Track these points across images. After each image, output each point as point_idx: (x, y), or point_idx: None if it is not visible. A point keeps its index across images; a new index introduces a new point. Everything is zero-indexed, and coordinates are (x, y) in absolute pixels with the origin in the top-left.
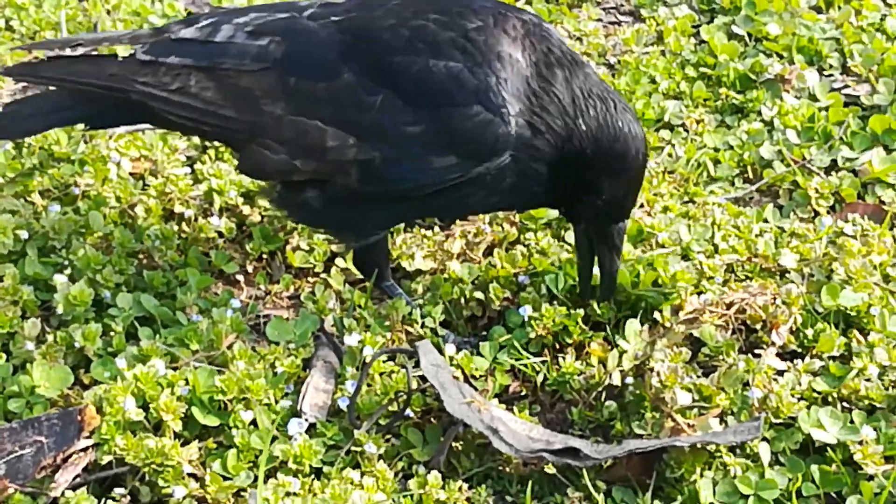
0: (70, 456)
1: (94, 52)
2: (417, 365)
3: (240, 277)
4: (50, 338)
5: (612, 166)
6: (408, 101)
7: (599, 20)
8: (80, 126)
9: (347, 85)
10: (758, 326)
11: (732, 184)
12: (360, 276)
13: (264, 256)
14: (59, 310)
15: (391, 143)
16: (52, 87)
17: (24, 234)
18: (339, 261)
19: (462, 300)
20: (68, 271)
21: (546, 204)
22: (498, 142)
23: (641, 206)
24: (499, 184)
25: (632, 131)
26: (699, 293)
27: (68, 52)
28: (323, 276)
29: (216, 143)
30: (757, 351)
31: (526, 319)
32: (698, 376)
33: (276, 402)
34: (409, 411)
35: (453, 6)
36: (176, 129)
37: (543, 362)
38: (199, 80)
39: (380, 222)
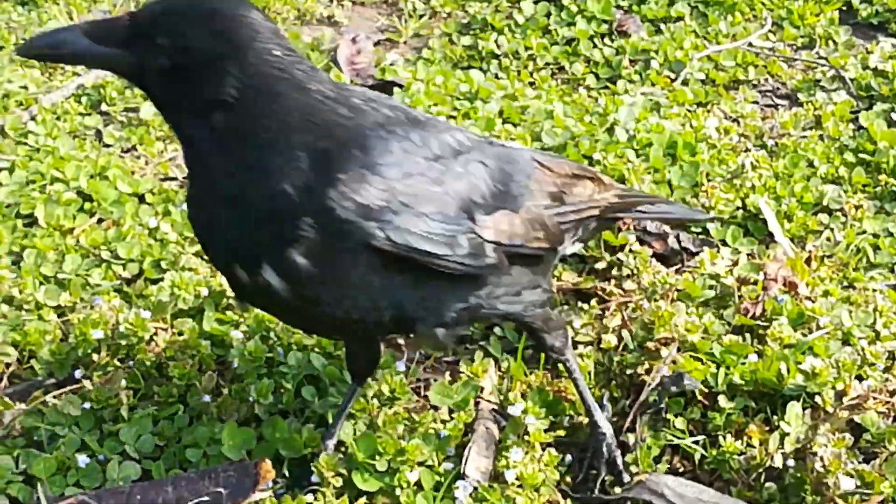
0: None
1: None
2: None
3: (401, 341)
4: (224, 391)
5: None
6: None
7: (756, 102)
8: None
9: None
10: None
11: (892, 270)
12: (516, 345)
13: None
14: (235, 364)
15: None
16: None
17: (203, 291)
18: (496, 329)
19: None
20: (243, 328)
21: None
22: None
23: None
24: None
25: None
26: (861, 379)
27: None
28: (482, 343)
29: None
30: None
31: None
32: (860, 462)
33: (439, 464)
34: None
35: None
36: None
37: (699, 441)
38: None
39: None
